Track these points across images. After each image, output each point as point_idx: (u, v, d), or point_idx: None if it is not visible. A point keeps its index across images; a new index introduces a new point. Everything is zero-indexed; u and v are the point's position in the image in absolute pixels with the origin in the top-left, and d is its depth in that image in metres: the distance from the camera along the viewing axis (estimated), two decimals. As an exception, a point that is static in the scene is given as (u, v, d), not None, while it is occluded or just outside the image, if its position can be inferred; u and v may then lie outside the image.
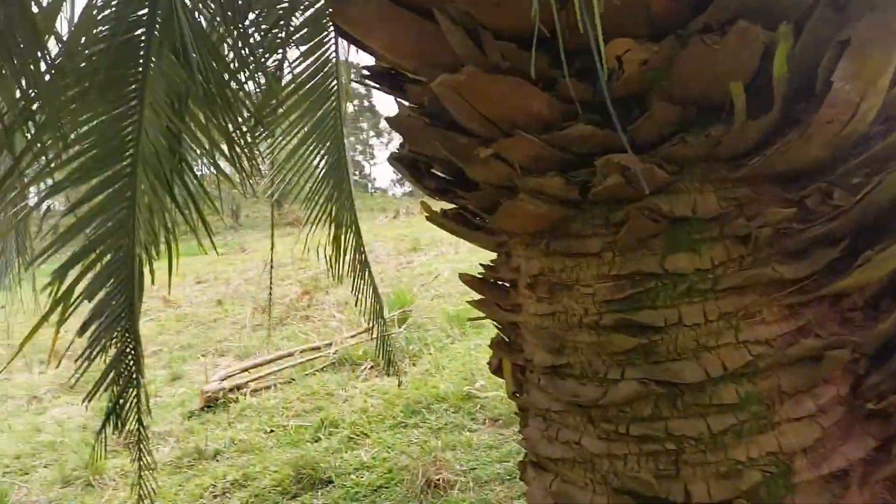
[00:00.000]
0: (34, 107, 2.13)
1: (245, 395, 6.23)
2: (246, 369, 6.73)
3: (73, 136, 2.25)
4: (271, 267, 4.42)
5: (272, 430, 5.47)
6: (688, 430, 1.41)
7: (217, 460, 5.04)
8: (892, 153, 1.38)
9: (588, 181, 1.44)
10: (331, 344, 7.10)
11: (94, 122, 2.31)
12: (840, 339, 1.42)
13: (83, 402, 2.58)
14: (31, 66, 1.93)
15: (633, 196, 1.43)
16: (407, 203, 24.20)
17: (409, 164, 1.69)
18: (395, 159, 1.69)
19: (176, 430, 5.67)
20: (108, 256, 2.38)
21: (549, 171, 1.41)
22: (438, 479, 4.17)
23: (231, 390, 6.28)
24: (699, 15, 1.28)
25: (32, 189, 2.82)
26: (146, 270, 2.47)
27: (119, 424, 2.77)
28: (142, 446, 3.07)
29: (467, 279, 1.77)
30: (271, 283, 4.66)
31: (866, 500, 1.43)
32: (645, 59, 1.29)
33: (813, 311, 1.47)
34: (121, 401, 2.73)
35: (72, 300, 2.29)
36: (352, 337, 7.19)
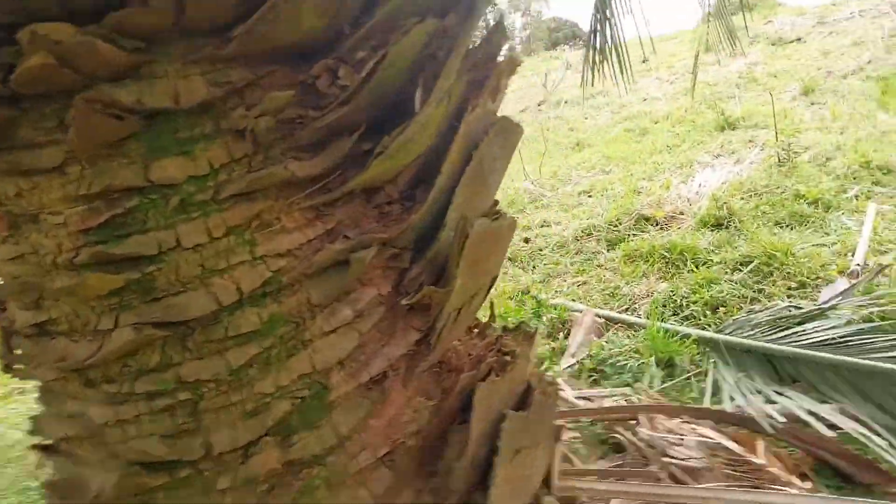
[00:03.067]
0: None
1: None
2: None
3: None
4: None
5: None
6: (203, 372, 1.18)
7: None
8: (394, 22, 1.21)
9: (15, 64, 1.02)
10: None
11: None
12: (367, 237, 1.29)
13: None
14: None
15: (81, 85, 1.05)
16: None
17: None
18: None
19: None
20: None
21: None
22: None
23: None
24: None
25: None
26: None
27: None
28: None
29: None
30: None
31: (411, 395, 1.39)
32: None
33: (344, 211, 1.31)
34: None
35: None
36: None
